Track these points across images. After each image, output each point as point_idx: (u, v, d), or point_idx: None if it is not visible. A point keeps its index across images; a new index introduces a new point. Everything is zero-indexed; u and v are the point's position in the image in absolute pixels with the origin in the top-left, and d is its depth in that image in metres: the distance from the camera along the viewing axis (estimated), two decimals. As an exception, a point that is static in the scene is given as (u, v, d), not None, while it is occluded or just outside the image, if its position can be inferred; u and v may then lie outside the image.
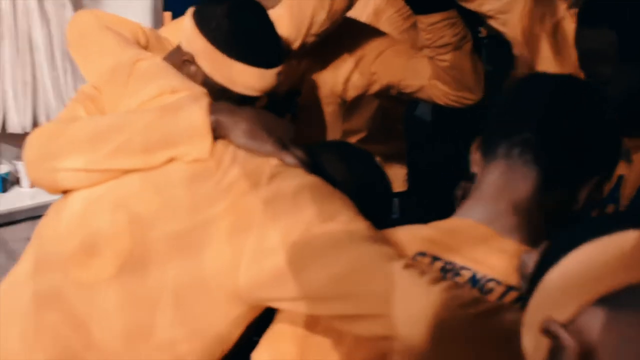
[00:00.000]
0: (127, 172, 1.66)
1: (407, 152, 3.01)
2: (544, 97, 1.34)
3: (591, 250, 0.92)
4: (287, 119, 2.28)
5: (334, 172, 1.65)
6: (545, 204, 1.31)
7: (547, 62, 1.96)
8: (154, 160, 1.63)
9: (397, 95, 2.38)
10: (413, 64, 2.25)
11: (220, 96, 1.82)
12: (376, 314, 1.32)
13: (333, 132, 2.44)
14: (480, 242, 1.31)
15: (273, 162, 1.60)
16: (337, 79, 2.33)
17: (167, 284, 1.58)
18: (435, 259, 1.33)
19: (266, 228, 1.49)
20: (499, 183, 1.34)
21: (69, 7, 3.37)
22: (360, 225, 1.47)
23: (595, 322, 0.89)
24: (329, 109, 2.38)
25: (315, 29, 2.15)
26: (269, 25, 1.92)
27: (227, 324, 1.57)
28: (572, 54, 1.83)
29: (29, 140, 1.81)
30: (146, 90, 1.78)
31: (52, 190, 1.79)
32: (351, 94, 2.36)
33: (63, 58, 3.35)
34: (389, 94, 2.40)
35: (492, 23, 2.06)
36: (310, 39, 2.17)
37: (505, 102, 1.40)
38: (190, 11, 1.92)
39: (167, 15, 3.67)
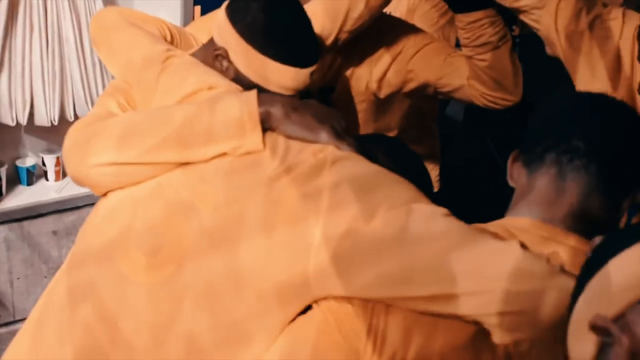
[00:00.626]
0: (174, 166, 1.63)
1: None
2: (592, 110, 1.44)
3: (637, 254, 0.99)
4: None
5: (381, 163, 1.61)
6: (592, 210, 1.39)
7: (587, 59, 1.91)
8: (205, 154, 1.60)
9: (433, 94, 2.33)
10: (451, 63, 2.22)
11: None
12: (482, 290, 1.32)
13: (365, 129, 2.41)
14: (547, 238, 1.39)
15: (330, 149, 1.57)
16: (373, 76, 2.29)
17: (200, 279, 1.54)
18: None
19: (334, 213, 1.46)
20: (550, 188, 1.42)
21: (100, 1, 3.35)
22: (439, 208, 1.46)
23: None
24: (362, 107, 2.36)
25: (349, 26, 2.11)
26: (305, 22, 1.87)
27: (259, 324, 1.52)
28: (612, 50, 1.79)
29: (68, 140, 1.78)
30: (183, 86, 1.75)
31: (96, 188, 1.74)
32: (385, 91, 2.32)
33: (92, 52, 3.33)
34: (424, 93, 2.35)
35: (526, 19, 2.04)
36: (344, 36, 2.13)
37: (551, 113, 1.47)
38: (224, 5, 1.88)
39: (197, 9, 3.64)
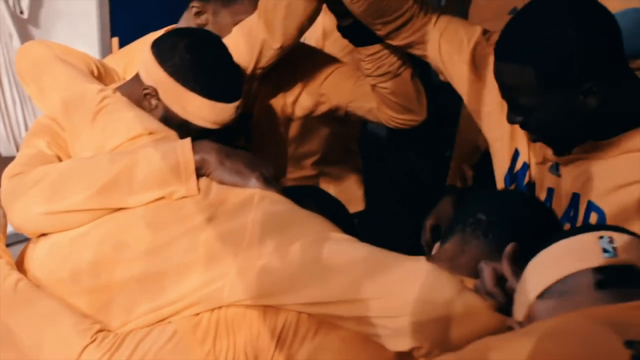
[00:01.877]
0: (111, 211, 1.70)
1: (363, 169, 3.02)
2: (496, 192, 1.80)
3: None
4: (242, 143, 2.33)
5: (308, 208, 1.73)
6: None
7: (467, 89, 2.01)
8: (143, 199, 1.68)
9: (345, 116, 2.41)
10: (360, 86, 2.29)
11: (180, 129, 1.86)
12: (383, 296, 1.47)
13: (285, 153, 2.49)
14: None
15: (257, 192, 1.67)
16: (287, 100, 2.36)
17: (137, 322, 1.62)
18: None
19: (253, 249, 1.56)
20: (454, 251, 1.64)
21: (15, 36, 3.33)
22: (349, 236, 1.60)
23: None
24: (281, 130, 2.42)
25: (262, 64, 2.21)
26: (230, 59, 1.97)
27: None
28: (490, 78, 1.87)
29: (5, 187, 1.81)
30: (124, 130, 1.82)
31: (35, 234, 1.79)
32: (299, 114, 2.39)
33: (11, 88, 3.31)
34: (338, 116, 2.42)
35: (414, 52, 2.10)
36: (259, 71, 2.23)
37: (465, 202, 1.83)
38: (149, 44, 1.95)
39: (115, 41, 3.65)
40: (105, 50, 3.60)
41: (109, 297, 1.64)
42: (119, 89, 1.97)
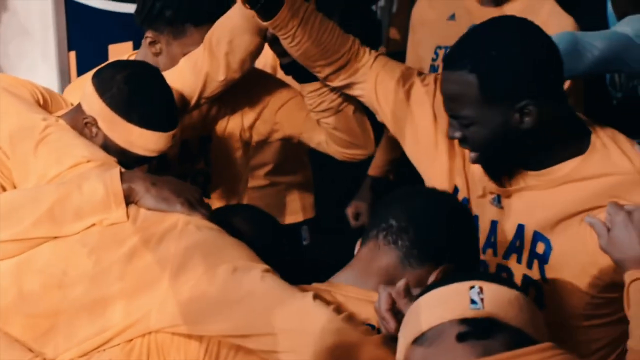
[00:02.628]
0: (45, 240, 1.82)
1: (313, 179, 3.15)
2: (407, 197, 1.80)
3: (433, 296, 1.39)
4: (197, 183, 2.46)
5: (239, 230, 1.87)
6: (398, 277, 1.66)
7: (402, 130, 2.08)
8: (76, 228, 1.80)
9: (299, 144, 2.50)
10: (312, 119, 2.34)
11: (120, 156, 2.01)
12: (280, 332, 1.64)
13: (243, 170, 2.57)
14: (355, 298, 1.71)
15: (182, 218, 1.80)
16: (244, 125, 2.44)
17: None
18: None
19: (177, 272, 1.71)
20: (367, 256, 1.74)
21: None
22: (262, 265, 1.74)
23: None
24: (239, 153, 2.50)
25: (207, 94, 2.30)
26: (166, 90, 2.11)
27: None
28: (424, 119, 2.01)
29: None
30: (63, 161, 1.94)
31: None
32: (256, 139, 2.48)
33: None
34: (292, 142, 2.52)
35: (350, 92, 2.15)
36: (204, 100, 2.33)
37: (380, 202, 1.85)
38: (90, 76, 2.09)
39: (72, 55, 3.73)
40: (63, 64, 3.68)
41: (50, 323, 1.76)
42: (63, 117, 2.10)
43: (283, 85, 2.44)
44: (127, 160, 2.02)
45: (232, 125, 2.44)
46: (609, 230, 1.65)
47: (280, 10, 1.96)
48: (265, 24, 2.03)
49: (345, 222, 3.19)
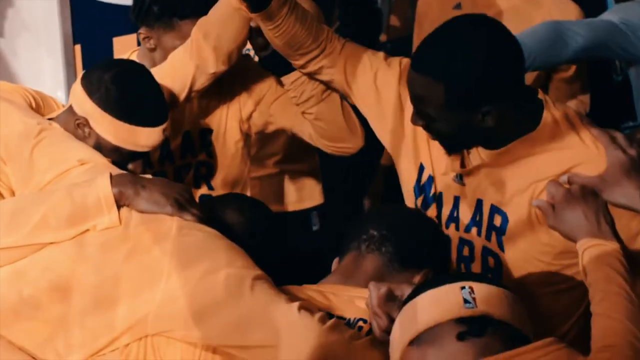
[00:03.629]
0: (41, 246, 1.84)
1: (320, 166, 3.19)
2: (384, 209, 2.02)
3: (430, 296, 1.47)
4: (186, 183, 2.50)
5: (232, 220, 1.94)
6: (388, 281, 1.75)
7: (370, 110, 2.14)
8: (70, 234, 1.83)
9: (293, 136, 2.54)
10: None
11: (113, 154, 2.07)
12: (269, 345, 1.69)
13: (244, 163, 2.61)
14: (347, 295, 1.79)
15: (174, 220, 1.84)
16: (242, 116, 2.50)
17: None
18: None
19: (171, 277, 1.75)
20: (351, 265, 1.84)
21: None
22: (253, 271, 1.77)
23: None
24: (240, 145, 2.55)
25: (197, 87, 2.35)
26: (154, 86, 2.16)
27: None
28: (391, 100, 2.07)
29: None
30: (57, 165, 2.00)
31: None
32: (254, 130, 2.54)
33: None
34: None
35: (322, 78, 2.19)
36: (195, 94, 2.37)
37: (359, 219, 1.98)
38: (79, 77, 2.14)
39: (77, 48, 3.77)
40: (69, 58, 3.72)
41: (51, 329, 1.79)
42: (56, 119, 2.16)
43: (278, 79, 2.46)
44: (121, 157, 2.09)
45: (232, 117, 2.50)
46: (553, 208, 1.75)
47: (271, 1, 2.00)
48: (253, 15, 2.07)
49: (354, 208, 3.23)
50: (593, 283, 1.65)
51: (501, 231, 1.92)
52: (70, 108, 2.13)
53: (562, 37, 2.47)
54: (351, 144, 2.34)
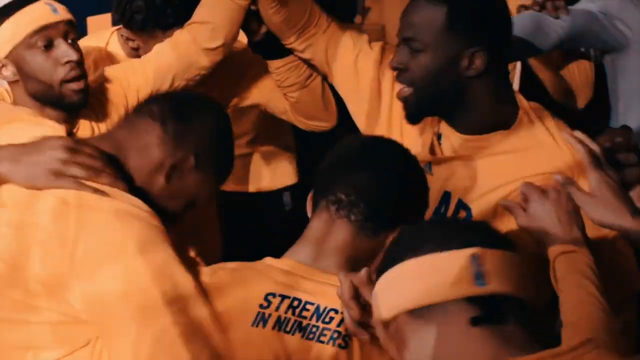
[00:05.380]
0: None
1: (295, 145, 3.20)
2: (355, 164, 1.69)
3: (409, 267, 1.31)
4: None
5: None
6: (359, 251, 1.66)
7: (348, 90, 2.17)
8: None
9: (265, 112, 2.60)
10: (278, 90, 2.41)
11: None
12: None
13: None
14: (311, 280, 1.65)
15: (72, 193, 1.65)
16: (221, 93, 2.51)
17: None
18: (284, 297, 1.64)
19: (86, 273, 1.60)
20: (321, 230, 1.67)
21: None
22: (161, 255, 1.63)
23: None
24: None
25: (177, 84, 2.40)
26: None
27: None
28: (370, 83, 2.08)
29: None
30: None
31: None
32: (226, 102, 2.54)
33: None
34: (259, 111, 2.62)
35: (302, 55, 2.23)
36: (183, 83, 2.41)
37: (326, 162, 1.73)
38: None
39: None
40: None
41: None
42: None
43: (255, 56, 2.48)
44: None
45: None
46: (524, 209, 1.70)
47: None
48: None
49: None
50: (564, 290, 1.63)
51: None
52: None
53: (542, 28, 2.49)
54: (327, 123, 2.44)
